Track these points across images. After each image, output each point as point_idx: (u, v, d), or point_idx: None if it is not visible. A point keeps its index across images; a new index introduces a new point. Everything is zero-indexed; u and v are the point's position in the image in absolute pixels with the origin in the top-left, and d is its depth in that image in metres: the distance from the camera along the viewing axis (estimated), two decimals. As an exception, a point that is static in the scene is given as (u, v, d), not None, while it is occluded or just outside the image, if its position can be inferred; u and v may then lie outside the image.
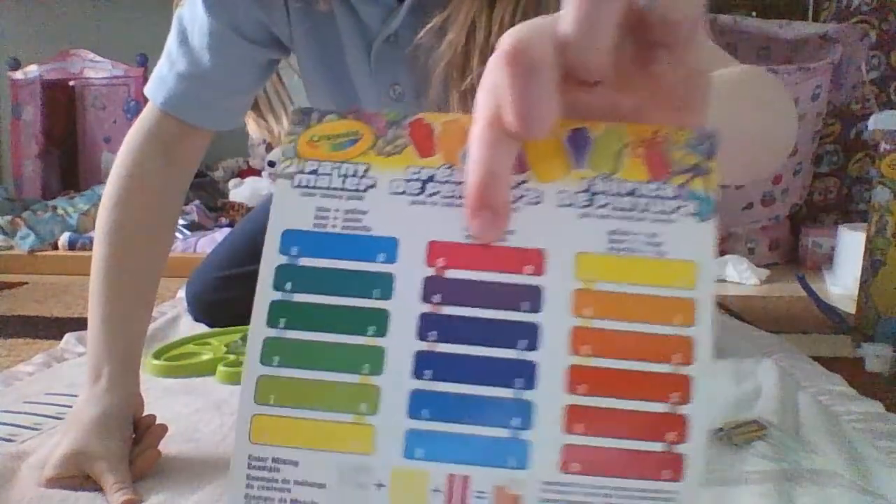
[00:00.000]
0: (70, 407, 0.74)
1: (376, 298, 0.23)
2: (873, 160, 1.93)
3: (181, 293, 1.25)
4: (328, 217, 0.24)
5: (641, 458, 0.22)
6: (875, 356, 0.94)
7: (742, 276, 1.64)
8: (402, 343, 0.23)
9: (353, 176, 0.24)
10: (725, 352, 0.97)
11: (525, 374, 0.22)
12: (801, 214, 2.05)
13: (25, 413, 0.72)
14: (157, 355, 0.90)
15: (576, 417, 0.22)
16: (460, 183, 0.23)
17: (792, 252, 1.98)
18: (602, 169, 0.23)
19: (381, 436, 0.22)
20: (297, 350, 0.23)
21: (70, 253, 1.80)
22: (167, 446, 0.64)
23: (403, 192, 0.24)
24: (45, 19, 2.65)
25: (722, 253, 1.80)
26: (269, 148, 2.27)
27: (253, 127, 0.83)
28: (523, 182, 0.24)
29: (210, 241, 1.74)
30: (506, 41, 0.22)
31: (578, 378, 0.22)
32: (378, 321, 0.23)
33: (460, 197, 0.23)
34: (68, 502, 0.55)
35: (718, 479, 0.58)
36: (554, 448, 0.22)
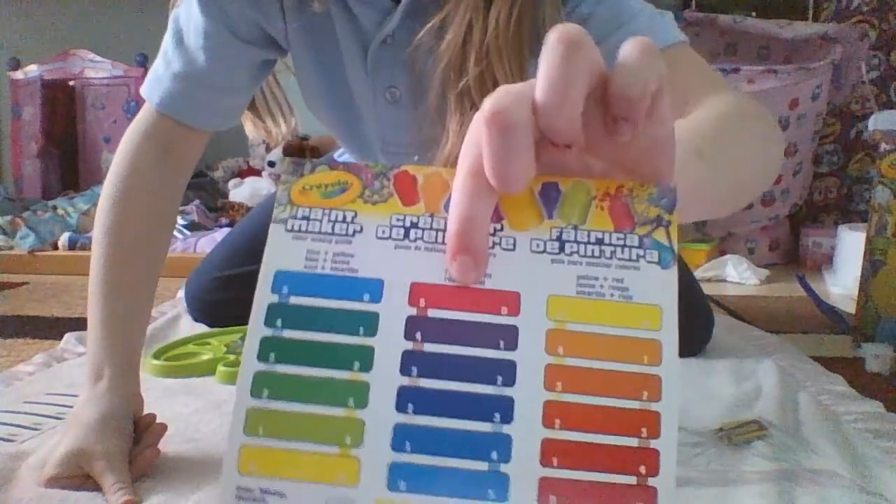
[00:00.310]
0: (70, 407, 0.74)
1: (362, 335, 0.24)
2: (873, 160, 1.93)
3: (181, 293, 1.25)
4: (318, 259, 0.26)
5: (616, 490, 0.22)
6: (875, 356, 0.94)
7: (742, 276, 1.64)
8: (385, 378, 0.24)
9: (342, 221, 0.26)
10: (725, 352, 0.97)
11: (503, 408, 0.23)
12: (801, 214, 2.05)
13: (25, 413, 0.72)
14: (157, 355, 0.90)
15: (551, 451, 0.23)
16: (441, 230, 0.25)
17: (792, 252, 1.98)
18: (571, 220, 0.25)
19: (366, 468, 0.23)
20: (286, 383, 0.24)
21: (70, 253, 1.80)
22: (167, 446, 0.64)
23: (388, 237, 0.26)
24: (45, 19, 2.65)
25: (722, 253, 1.80)
26: (269, 148, 2.27)
27: (250, 128, 0.83)
28: (499, 230, 0.26)
29: (210, 241, 1.74)
30: (487, 104, 0.23)
31: (553, 413, 0.23)
32: (363, 357, 0.24)
33: (441, 242, 0.25)
34: (68, 502, 0.55)
35: (718, 479, 0.58)
36: (531, 481, 0.23)
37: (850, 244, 1.54)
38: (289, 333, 0.25)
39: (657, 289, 0.25)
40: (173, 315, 1.14)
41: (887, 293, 1.04)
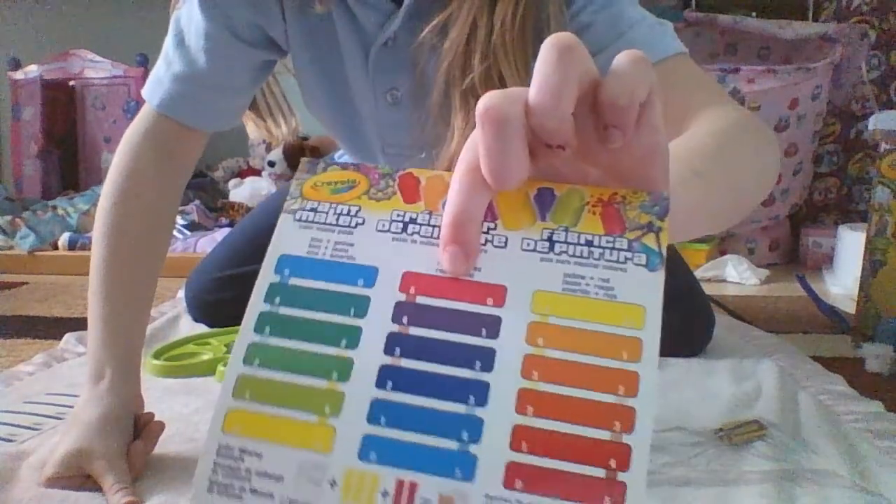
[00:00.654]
0: (70, 407, 0.74)
1: (352, 316, 0.26)
2: (873, 160, 1.93)
3: (181, 293, 1.25)
4: (319, 246, 0.28)
5: (584, 482, 0.23)
6: (875, 356, 0.94)
7: (742, 276, 1.64)
8: (369, 356, 0.25)
9: (346, 215, 0.28)
10: (725, 352, 0.97)
11: (478, 392, 0.24)
12: (801, 214, 2.05)
13: (25, 413, 0.72)
14: (157, 355, 0.90)
15: (522, 437, 0.23)
16: (437, 226, 0.27)
17: (792, 252, 1.98)
18: (563, 222, 0.27)
19: (341, 438, 0.24)
20: (276, 355, 0.26)
21: (70, 253, 1.80)
22: (167, 446, 0.64)
23: (387, 231, 0.28)
24: (45, 19, 2.65)
25: (722, 253, 1.81)
26: (269, 148, 2.27)
27: (252, 128, 0.83)
28: (493, 229, 0.27)
29: (210, 241, 1.74)
30: (481, 102, 0.25)
31: (527, 400, 0.24)
32: (351, 336, 0.26)
33: (437, 238, 0.27)
34: (68, 502, 0.55)
35: (718, 479, 0.58)
36: (499, 464, 0.23)
37: (850, 244, 1.54)
38: (285, 310, 0.26)
39: (642, 290, 0.25)
40: (173, 315, 1.14)
41: (887, 293, 1.04)
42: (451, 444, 0.24)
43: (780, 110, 1.75)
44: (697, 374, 0.87)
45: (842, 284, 1.54)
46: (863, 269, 1.08)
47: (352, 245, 0.28)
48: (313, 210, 0.28)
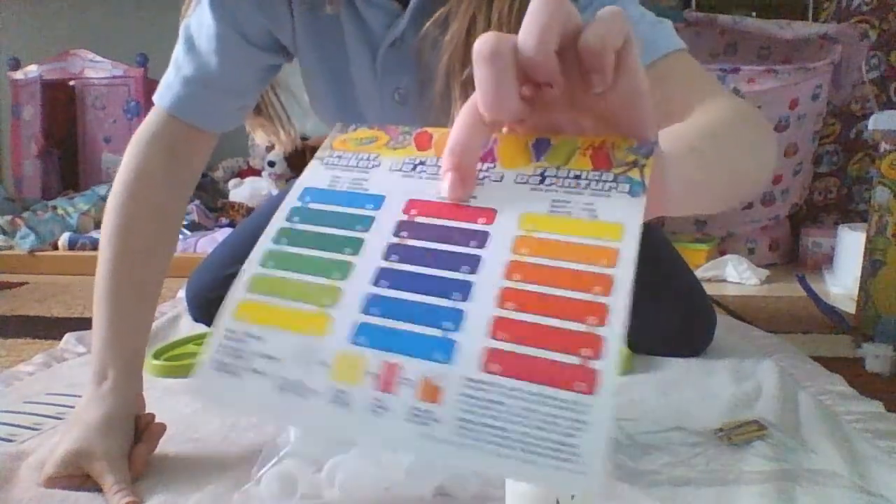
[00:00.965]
0: (70, 407, 0.74)
1: (358, 231, 0.30)
2: (873, 160, 1.93)
3: (181, 293, 1.25)
4: (339, 182, 0.33)
5: (558, 367, 0.24)
6: (875, 356, 0.94)
7: (742, 276, 1.64)
8: (369, 261, 0.29)
9: (366, 160, 0.33)
10: (725, 352, 0.97)
11: (463, 290, 0.27)
12: (801, 214, 2.05)
13: (25, 413, 0.72)
14: (157, 355, 0.90)
15: (500, 327, 0.26)
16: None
17: (792, 252, 1.98)
18: (556, 163, 0.30)
19: (336, 324, 0.27)
20: (288, 259, 0.30)
21: (70, 253, 1.80)
22: (167, 446, 0.64)
23: (399, 170, 0.32)
24: (45, 19, 2.65)
25: (722, 253, 1.81)
26: (270, 148, 2.27)
27: (260, 134, 0.84)
28: (491, 167, 0.31)
29: (210, 241, 1.74)
30: (477, 43, 0.28)
31: (507, 298, 0.27)
32: (354, 245, 0.30)
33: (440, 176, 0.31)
34: (68, 502, 0.55)
35: (718, 479, 0.58)
36: (477, 350, 0.25)
37: (850, 244, 1.54)
38: (301, 226, 0.31)
39: (623, 211, 0.28)
40: (173, 315, 1.14)
41: (887, 293, 1.04)
42: (435, 332, 0.26)
43: (780, 110, 1.75)
44: (697, 374, 0.87)
45: (842, 284, 1.54)
46: (863, 269, 1.07)
47: (366, 180, 0.32)
48: (339, 157, 0.34)
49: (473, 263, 0.28)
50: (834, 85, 1.83)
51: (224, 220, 2.03)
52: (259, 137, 0.85)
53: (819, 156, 2.06)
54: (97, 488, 0.56)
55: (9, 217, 1.93)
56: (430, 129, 0.33)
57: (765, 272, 1.67)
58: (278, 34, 0.72)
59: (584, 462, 0.23)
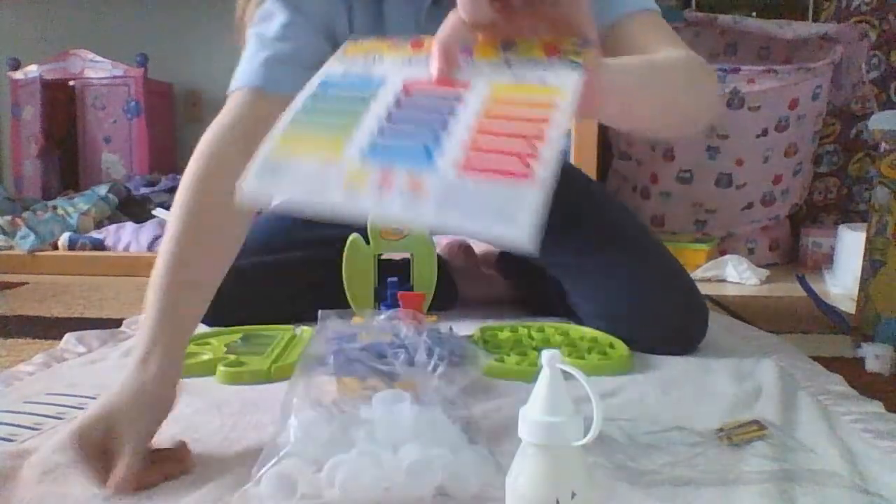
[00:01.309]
0: (70, 407, 0.74)
1: (367, 97, 0.42)
2: (873, 160, 1.93)
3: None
4: (350, 72, 0.45)
5: (509, 168, 0.36)
6: (875, 356, 0.94)
7: (742, 276, 1.64)
8: (375, 111, 0.41)
9: (372, 58, 0.46)
10: (725, 352, 0.97)
11: (444, 124, 0.39)
12: (801, 214, 2.05)
13: (25, 413, 0.72)
14: (157, 355, 0.90)
15: (470, 146, 0.38)
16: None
17: (792, 252, 1.98)
18: (518, 54, 0.43)
19: (347, 147, 0.39)
20: (315, 114, 0.42)
21: (70, 253, 1.80)
22: (166, 446, 0.64)
23: (398, 63, 0.44)
24: (45, 19, 2.65)
25: (722, 253, 1.81)
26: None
27: None
28: (470, 59, 0.43)
29: (210, 241, 1.73)
30: None
31: (475, 128, 0.39)
32: (364, 105, 0.42)
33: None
34: (68, 501, 0.55)
35: (718, 479, 0.58)
36: (450, 157, 0.37)
37: (850, 244, 1.54)
38: (321, 97, 0.44)
39: (563, 79, 0.40)
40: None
41: (887, 293, 1.04)
42: (419, 146, 0.38)
43: (780, 110, 1.75)
44: (697, 374, 0.87)
45: (842, 284, 1.54)
46: (863, 269, 1.07)
47: (372, 70, 0.44)
48: (351, 58, 0.46)
49: (453, 109, 0.40)
50: (834, 85, 1.83)
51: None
52: None
53: (819, 156, 2.06)
54: (99, 467, 0.55)
55: (9, 217, 1.93)
56: (421, 37, 0.45)
57: (765, 272, 1.67)
58: (336, 21, 0.86)
59: (519, 224, 0.34)
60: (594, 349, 0.93)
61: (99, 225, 1.98)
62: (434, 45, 0.41)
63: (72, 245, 1.82)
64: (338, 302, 0.94)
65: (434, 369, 0.60)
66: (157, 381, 0.60)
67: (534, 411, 0.41)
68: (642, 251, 1.05)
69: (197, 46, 2.58)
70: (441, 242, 1.03)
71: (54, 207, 2.00)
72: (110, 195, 2.07)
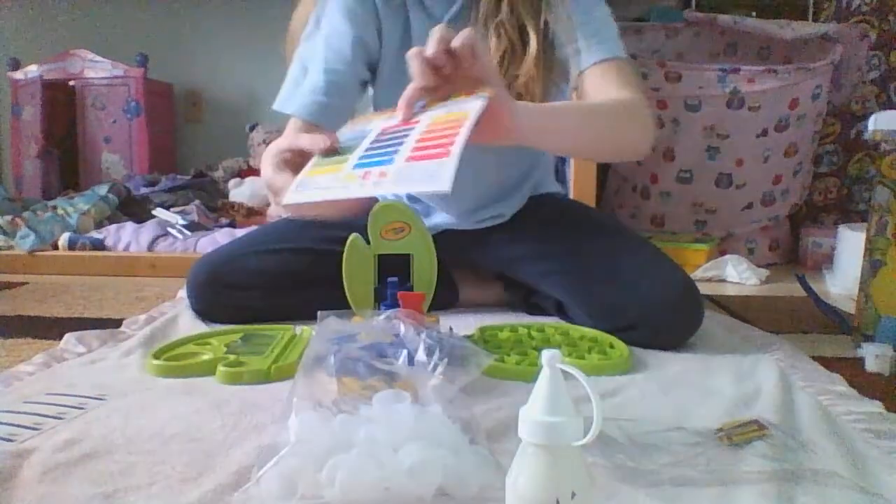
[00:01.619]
0: (70, 407, 0.74)
1: (360, 141, 0.67)
2: (873, 160, 1.93)
3: (181, 293, 1.25)
4: (351, 131, 0.73)
5: (436, 154, 0.57)
6: (875, 356, 0.94)
7: (742, 276, 1.64)
8: (363, 146, 0.66)
9: (364, 122, 0.73)
10: (725, 352, 0.97)
11: (400, 141, 0.63)
12: (801, 214, 2.05)
13: (25, 413, 0.72)
14: (156, 355, 0.90)
15: (415, 147, 0.61)
16: (399, 122, 0.67)
17: (792, 252, 1.98)
18: (449, 99, 0.68)
19: (346, 166, 0.64)
20: (324, 162, 0.69)
21: (70, 253, 1.80)
22: (168, 446, 0.64)
23: (380, 120, 0.70)
24: (45, 19, 2.65)
25: (722, 253, 1.81)
26: (270, 148, 2.27)
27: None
28: (423, 107, 0.68)
29: (211, 241, 1.74)
30: (408, 54, 0.68)
31: (419, 139, 0.62)
32: (358, 144, 0.67)
33: (397, 121, 0.68)
34: (68, 501, 0.55)
35: (718, 479, 0.58)
36: (404, 157, 0.60)
37: (850, 244, 1.54)
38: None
39: (472, 106, 0.62)
40: (173, 315, 1.14)
41: (887, 293, 1.04)
42: (386, 156, 0.61)
43: (780, 110, 1.75)
44: (697, 374, 0.87)
45: (842, 284, 1.54)
46: (863, 269, 1.07)
47: (366, 127, 0.70)
48: (352, 124, 0.75)
49: (406, 134, 0.63)
50: (834, 85, 1.83)
51: (224, 220, 2.03)
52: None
53: (819, 156, 2.06)
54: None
55: (9, 217, 1.93)
56: (387, 112, 0.71)
57: (765, 272, 1.67)
58: (367, 36, 1.05)
59: (442, 180, 0.53)
60: (594, 349, 0.93)
61: (99, 225, 1.98)
62: (400, 102, 0.67)
63: (72, 245, 1.82)
64: (338, 302, 0.95)
65: (434, 369, 0.60)
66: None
67: (534, 411, 0.41)
68: (630, 246, 1.08)
69: (197, 46, 2.58)
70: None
71: (54, 207, 2.00)
72: (110, 195, 2.07)
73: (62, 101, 2.46)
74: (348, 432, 0.55)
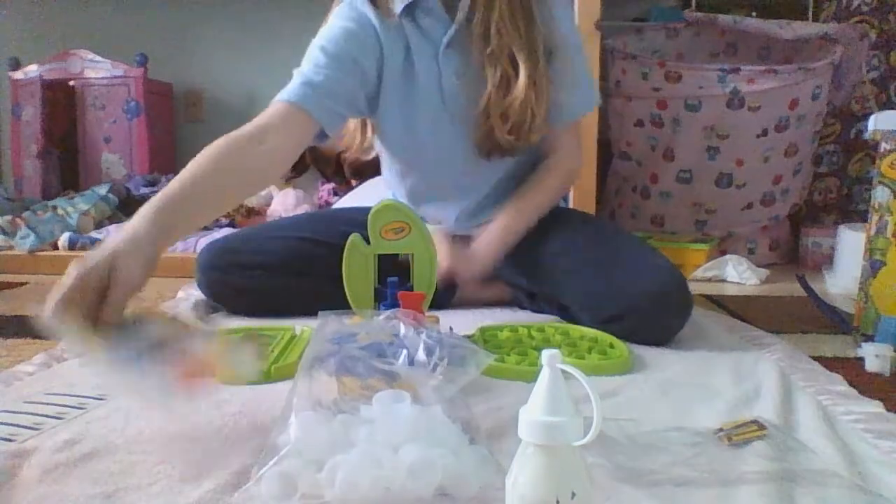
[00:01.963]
0: (70, 407, 0.74)
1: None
2: (873, 160, 1.93)
3: (181, 293, 1.25)
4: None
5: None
6: (875, 356, 0.94)
7: (742, 276, 1.64)
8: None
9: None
10: (725, 352, 0.97)
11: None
12: (801, 214, 2.05)
13: (25, 413, 0.72)
14: (157, 355, 0.90)
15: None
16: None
17: (792, 252, 1.98)
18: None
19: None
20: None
21: (70, 253, 1.80)
22: (169, 446, 0.64)
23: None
24: (45, 19, 2.65)
25: (722, 253, 1.81)
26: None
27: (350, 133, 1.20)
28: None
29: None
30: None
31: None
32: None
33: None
34: (68, 501, 0.55)
35: (718, 479, 0.58)
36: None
37: (850, 244, 1.54)
38: None
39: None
40: (173, 315, 1.14)
41: (887, 293, 1.04)
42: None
43: (780, 110, 1.75)
44: (697, 374, 0.87)
45: (842, 284, 1.54)
46: (863, 269, 1.08)
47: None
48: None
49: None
50: (834, 85, 1.83)
51: (224, 220, 2.03)
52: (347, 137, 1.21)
53: (819, 156, 2.06)
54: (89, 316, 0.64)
55: (9, 217, 1.93)
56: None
57: (765, 272, 1.67)
58: (367, 62, 1.07)
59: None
60: (594, 349, 0.93)
61: (99, 225, 1.98)
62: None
63: (72, 245, 1.82)
64: (339, 294, 0.95)
65: (434, 369, 0.60)
66: (147, 237, 0.70)
67: (534, 411, 0.41)
68: (620, 242, 1.12)
69: (197, 46, 2.58)
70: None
71: (54, 207, 2.00)
72: (110, 195, 2.07)
73: (62, 101, 2.46)
74: (348, 432, 0.55)
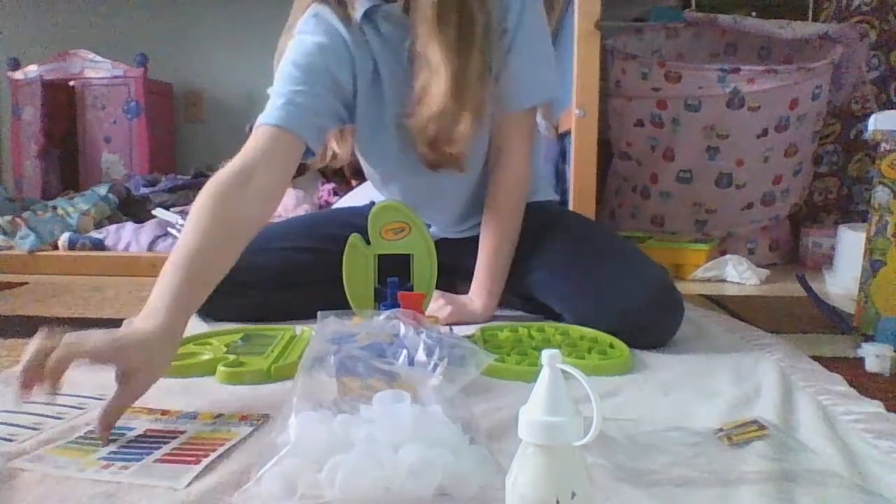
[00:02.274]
0: (70, 407, 0.74)
1: None
2: (873, 160, 1.92)
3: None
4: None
5: (184, 460, 0.58)
6: (875, 356, 0.94)
7: (742, 276, 1.64)
8: (120, 441, 0.65)
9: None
10: (725, 352, 0.97)
11: (161, 445, 0.63)
12: (801, 214, 2.05)
13: (25, 413, 0.72)
14: (157, 355, 0.90)
15: (169, 453, 0.61)
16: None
17: (792, 252, 1.98)
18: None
19: (91, 456, 0.60)
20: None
21: (70, 253, 1.80)
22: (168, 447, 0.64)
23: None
24: (45, 19, 2.65)
25: (722, 253, 1.80)
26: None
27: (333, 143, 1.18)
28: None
29: (210, 241, 1.73)
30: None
31: (177, 447, 0.63)
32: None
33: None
34: (68, 501, 0.55)
35: (718, 479, 0.58)
36: (153, 458, 0.60)
37: (850, 244, 1.54)
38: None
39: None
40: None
41: (887, 293, 1.04)
42: (138, 455, 0.61)
43: (780, 110, 1.75)
44: (697, 374, 0.87)
45: (842, 284, 1.54)
46: (863, 269, 1.08)
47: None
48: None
49: (168, 440, 0.64)
50: (834, 85, 1.83)
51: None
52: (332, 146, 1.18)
53: (819, 156, 2.06)
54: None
55: (9, 217, 1.93)
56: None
57: (765, 272, 1.67)
58: (342, 75, 1.05)
59: (177, 483, 0.55)
60: (594, 349, 0.93)
61: (99, 225, 1.98)
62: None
63: (72, 245, 1.82)
64: (339, 301, 0.95)
65: (434, 369, 0.60)
66: (159, 333, 0.68)
67: (534, 411, 0.41)
68: (610, 252, 1.11)
69: (197, 46, 2.58)
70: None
71: (54, 207, 2.00)
72: (110, 195, 2.07)
73: (62, 101, 2.46)
74: (348, 432, 0.55)
